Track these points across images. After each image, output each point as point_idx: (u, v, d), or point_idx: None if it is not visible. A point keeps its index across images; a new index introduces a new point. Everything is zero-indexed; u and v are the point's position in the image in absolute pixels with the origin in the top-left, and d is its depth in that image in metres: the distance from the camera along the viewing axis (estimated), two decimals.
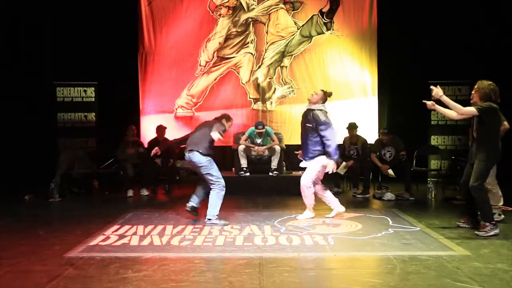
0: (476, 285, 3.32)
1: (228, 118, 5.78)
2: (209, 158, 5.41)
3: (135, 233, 4.95)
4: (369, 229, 5.07)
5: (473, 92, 4.96)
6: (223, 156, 9.47)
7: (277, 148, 7.94)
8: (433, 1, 8.90)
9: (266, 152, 7.96)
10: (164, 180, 8.11)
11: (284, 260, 3.98)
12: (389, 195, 7.12)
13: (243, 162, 7.87)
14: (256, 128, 8.00)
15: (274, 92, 9.58)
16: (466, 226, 5.06)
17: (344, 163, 7.63)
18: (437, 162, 8.83)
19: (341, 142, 7.88)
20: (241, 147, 7.91)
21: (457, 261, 3.87)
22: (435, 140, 9.06)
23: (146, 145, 8.26)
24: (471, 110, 4.79)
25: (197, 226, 5.22)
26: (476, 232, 4.78)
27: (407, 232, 4.93)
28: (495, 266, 3.74)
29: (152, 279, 3.51)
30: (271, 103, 9.58)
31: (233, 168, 8.26)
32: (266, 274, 3.59)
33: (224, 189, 5.37)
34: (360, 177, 7.66)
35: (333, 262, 4.00)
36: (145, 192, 7.65)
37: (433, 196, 7.19)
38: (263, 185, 7.79)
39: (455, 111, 4.89)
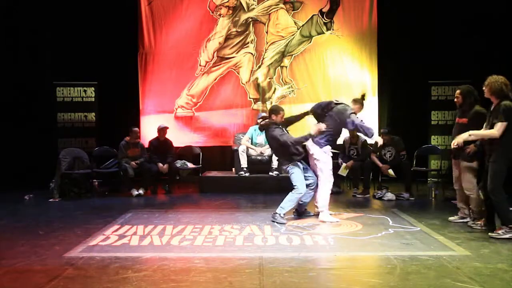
0: (476, 285, 3.32)
1: (274, 111, 5.80)
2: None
3: (135, 233, 4.95)
4: (369, 229, 5.07)
5: (485, 84, 4.77)
6: (223, 156, 9.50)
7: None
8: (433, 1, 8.90)
9: (267, 152, 7.96)
10: (164, 180, 8.11)
11: (284, 260, 3.98)
12: (389, 195, 7.12)
13: (243, 162, 7.87)
14: (258, 117, 8.06)
15: (274, 92, 9.59)
16: (479, 227, 4.98)
17: (344, 164, 7.63)
18: (437, 162, 8.83)
19: (341, 142, 7.90)
20: (241, 147, 7.91)
21: (457, 261, 3.87)
22: (435, 140, 9.06)
23: (146, 145, 8.27)
24: (500, 125, 4.55)
25: (197, 226, 5.23)
26: (489, 233, 4.70)
27: (407, 232, 4.93)
28: (495, 266, 3.74)
29: (152, 279, 3.51)
30: (271, 103, 9.56)
31: (233, 168, 8.27)
32: (266, 274, 3.59)
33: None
34: (360, 177, 7.66)
35: (333, 262, 4.00)
36: (135, 192, 7.61)
37: (433, 196, 7.19)
38: (263, 185, 7.79)
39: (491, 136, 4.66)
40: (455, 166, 5.37)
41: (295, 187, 5.41)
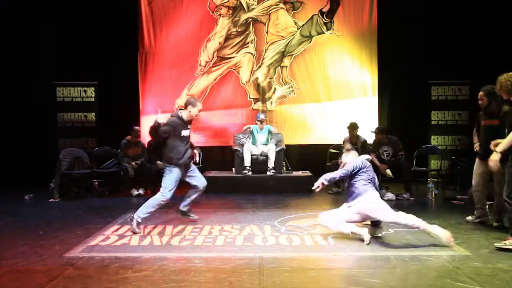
0: (476, 285, 3.32)
1: (192, 103, 5.22)
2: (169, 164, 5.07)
3: (135, 233, 4.94)
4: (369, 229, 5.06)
5: (498, 88, 4.52)
6: (223, 156, 9.50)
7: (272, 146, 7.97)
8: (433, 1, 8.90)
9: (264, 149, 7.99)
10: None
11: (284, 260, 3.98)
12: (389, 195, 7.12)
13: (247, 161, 7.87)
14: (257, 118, 8.07)
15: (274, 92, 9.59)
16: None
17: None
18: (437, 162, 8.83)
19: (341, 142, 7.91)
20: (246, 145, 7.95)
21: (457, 261, 3.87)
22: (435, 140, 9.06)
23: (145, 145, 8.28)
24: None
25: (197, 226, 5.23)
26: (496, 244, 4.40)
27: (407, 232, 4.93)
28: (495, 266, 3.74)
29: (152, 279, 3.51)
30: (271, 103, 9.58)
31: (233, 168, 8.27)
32: (266, 274, 3.59)
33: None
34: None
35: (333, 262, 4.00)
36: (135, 192, 7.62)
37: (433, 196, 7.19)
38: (263, 185, 7.80)
39: None
40: (481, 166, 5.15)
41: (162, 190, 5.03)
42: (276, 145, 8.24)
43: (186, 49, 9.57)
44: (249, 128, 8.26)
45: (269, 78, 9.57)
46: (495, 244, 4.41)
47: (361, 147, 7.73)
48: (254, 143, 8.18)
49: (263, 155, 8.04)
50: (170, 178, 5.03)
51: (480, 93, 5.22)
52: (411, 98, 9.09)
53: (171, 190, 5.01)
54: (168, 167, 5.08)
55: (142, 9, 9.52)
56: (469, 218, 5.43)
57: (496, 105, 5.03)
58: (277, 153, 8.04)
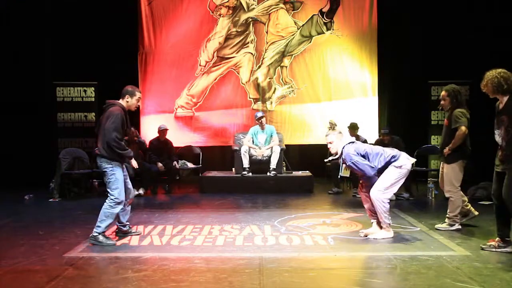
0: (476, 285, 3.32)
1: (131, 93, 4.88)
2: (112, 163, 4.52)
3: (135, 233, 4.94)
4: (369, 229, 5.06)
5: (481, 86, 4.18)
6: (223, 156, 9.50)
7: (277, 148, 7.95)
8: (433, 1, 8.90)
9: (267, 152, 7.98)
10: (164, 180, 8.11)
11: (284, 260, 3.98)
12: None
13: (245, 162, 7.87)
14: (256, 117, 8.06)
15: (274, 92, 9.59)
16: (493, 249, 4.15)
17: (344, 164, 7.60)
18: (437, 162, 8.81)
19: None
20: (243, 148, 7.91)
21: (457, 261, 3.87)
22: (435, 140, 9.05)
23: (147, 145, 8.28)
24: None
25: (197, 226, 5.23)
26: (481, 245, 4.24)
27: (407, 232, 4.93)
28: (495, 266, 3.74)
29: (152, 279, 3.51)
30: (271, 103, 9.58)
31: (233, 168, 8.27)
32: (266, 274, 3.59)
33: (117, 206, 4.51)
34: None
35: (333, 262, 4.00)
36: (135, 192, 7.62)
37: (433, 196, 7.18)
38: (263, 185, 7.80)
39: None
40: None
41: (111, 195, 4.50)
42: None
43: (186, 49, 9.57)
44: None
45: (269, 78, 9.57)
46: (481, 245, 4.25)
47: None
48: (256, 144, 8.15)
49: (264, 156, 8.00)
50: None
51: (443, 92, 4.96)
52: (411, 98, 9.09)
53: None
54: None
55: (142, 9, 9.52)
56: (439, 226, 5.00)
57: (457, 106, 4.81)
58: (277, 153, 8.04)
